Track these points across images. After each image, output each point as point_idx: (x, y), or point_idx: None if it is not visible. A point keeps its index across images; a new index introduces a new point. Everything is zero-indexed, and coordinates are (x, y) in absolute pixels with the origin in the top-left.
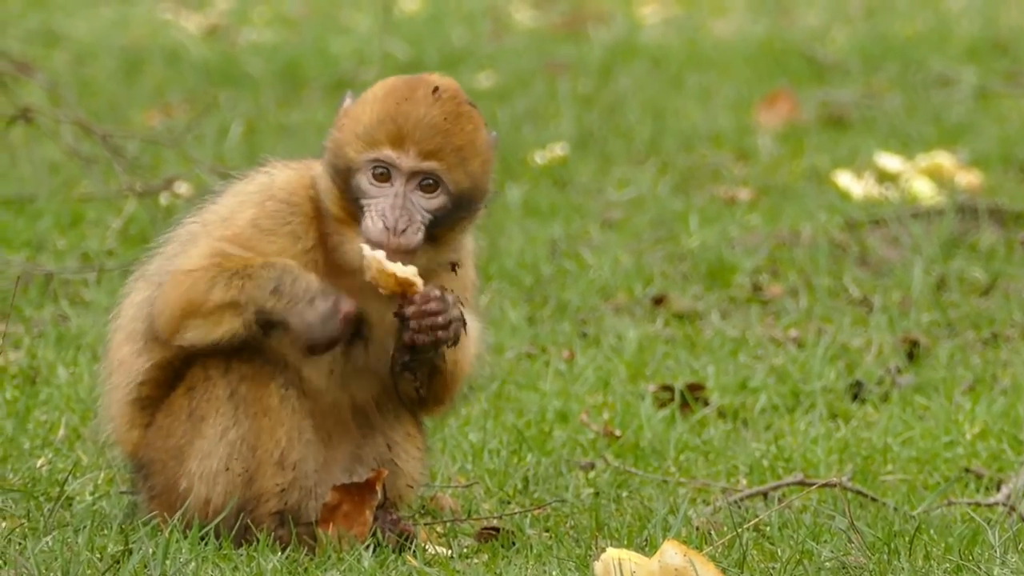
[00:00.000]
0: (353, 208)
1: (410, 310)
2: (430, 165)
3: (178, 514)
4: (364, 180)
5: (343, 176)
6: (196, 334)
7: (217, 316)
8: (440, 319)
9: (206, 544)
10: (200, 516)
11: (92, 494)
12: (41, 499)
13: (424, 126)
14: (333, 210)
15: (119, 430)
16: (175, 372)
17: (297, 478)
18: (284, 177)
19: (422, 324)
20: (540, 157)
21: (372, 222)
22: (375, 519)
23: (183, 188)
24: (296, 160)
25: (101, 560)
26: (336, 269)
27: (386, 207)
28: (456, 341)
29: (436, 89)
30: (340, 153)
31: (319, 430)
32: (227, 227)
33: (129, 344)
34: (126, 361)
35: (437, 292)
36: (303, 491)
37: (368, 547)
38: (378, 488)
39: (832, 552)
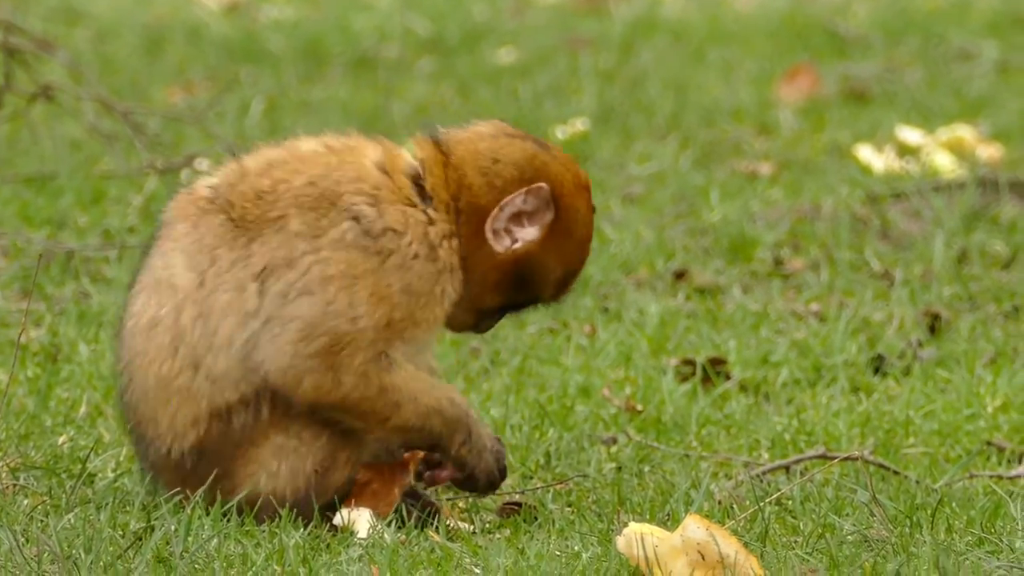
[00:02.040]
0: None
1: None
2: None
3: (235, 500)
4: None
5: (523, 297)
6: (336, 419)
7: (387, 435)
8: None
9: (228, 520)
10: (268, 506)
11: (114, 471)
12: (63, 476)
13: None
14: (487, 302)
15: (181, 427)
16: None
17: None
18: (414, 222)
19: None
20: (561, 132)
21: (491, 326)
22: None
23: (204, 165)
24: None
25: (123, 537)
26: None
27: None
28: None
29: None
30: (538, 284)
31: None
32: (382, 301)
33: (222, 358)
34: (220, 379)
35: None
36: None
37: (390, 523)
38: (411, 468)
39: (854, 526)
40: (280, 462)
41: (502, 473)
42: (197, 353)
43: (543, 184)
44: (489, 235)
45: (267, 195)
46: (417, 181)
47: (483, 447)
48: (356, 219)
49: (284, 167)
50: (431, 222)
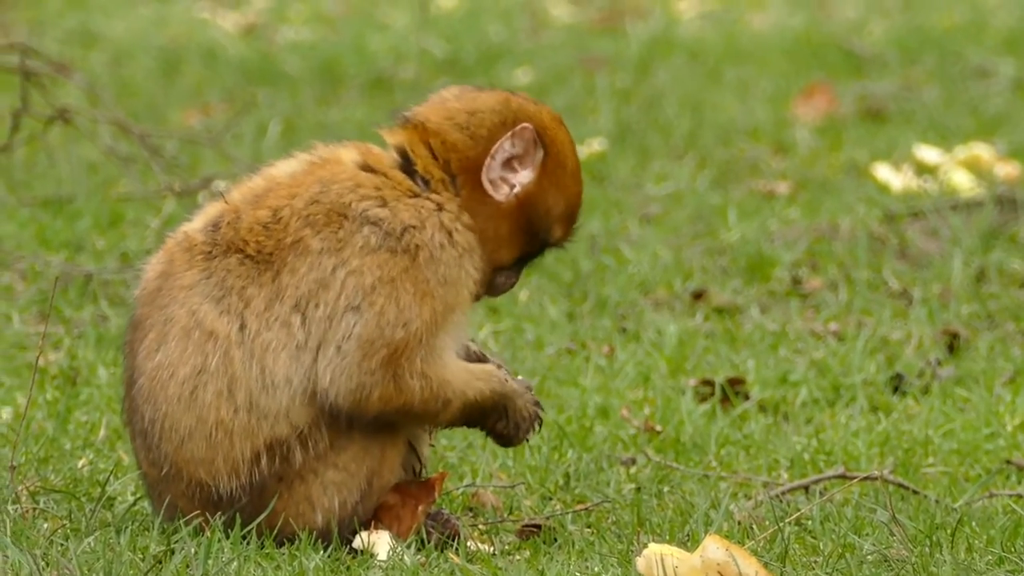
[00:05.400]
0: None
1: None
2: None
3: (255, 523)
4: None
5: (535, 242)
6: (390, 421)
7: (433, 427)
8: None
9: (248, 543)
10: (304, 530)
11: (133, 494)
12: (83, 500)
13: None
14: (502, 256)
15: (237, 465)
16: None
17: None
18: (427, 212)
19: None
20: (578, 152)
21: (507, 280)
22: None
23: (221, 187)
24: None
25: (143, 560)
26: None
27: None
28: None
29: None
30: (545, 224)
31: None
32: (425, 297)
33: (278, 395)
34: (276, 415)
35: None
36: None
37: (410, 545)
38: (438, 490)
39: (874, 545)
40: (331, 498)
41: (538, 425)
42: (253, 394)
43: (526, 124)
44: (487, 186)
45: (273, 224)
46: (407, 170)
47: (520, 420)
48: (374, 223)
49: (276, 193)
50: (439, 207)
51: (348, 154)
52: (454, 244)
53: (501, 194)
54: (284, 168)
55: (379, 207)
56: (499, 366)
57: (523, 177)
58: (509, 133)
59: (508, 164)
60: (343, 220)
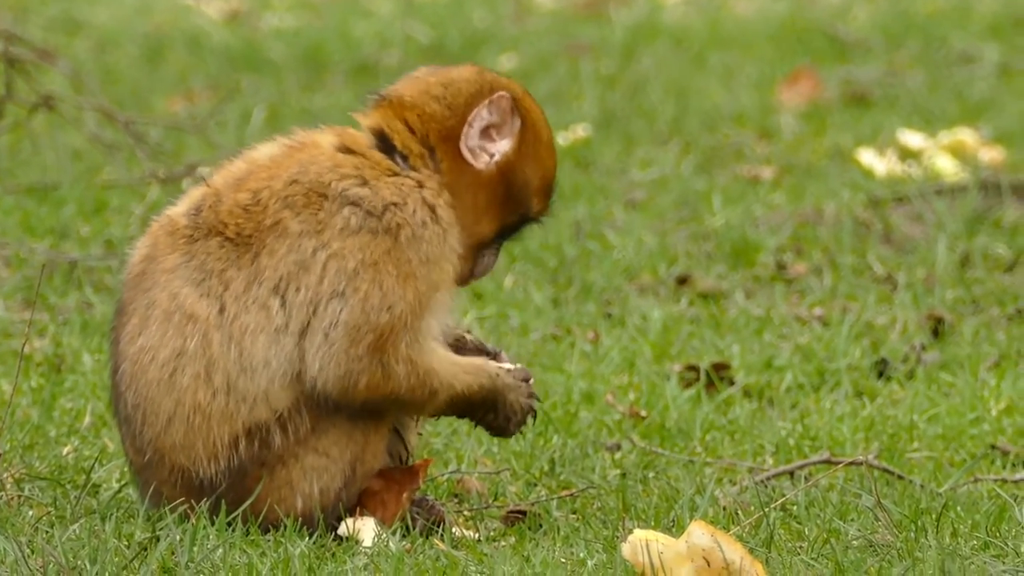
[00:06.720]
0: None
1: None
2: None
3: (240, 510)
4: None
5: (514, 214)
6: (377, 409)
7: (428, 410)
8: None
9: (233, 530)
10: (287, 517)
11: (118, 481)
12: (68, 487)
13: None
14: (483, 230)
15: (216, 449)
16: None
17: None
18: (408, 189)
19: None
20: (563, 138)
21: (488, 259)
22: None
23: (206, 174)
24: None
25: (129, 547)
26: None
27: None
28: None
29: None
30: (524, 195)
31: None
32: (408, 279)
33: (256, 378)
34: (256, 398)
35: None
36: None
37: (395, 531)
38: (422, 476)
39: (859, 530)
40: (311, 483)
41: (532, 418)
42: (231, 377)
43: (503, 93)
44: (467, 154)
45: (253, 206)
46: (386, 150)
47: (510, 414)
48: (354, 203)
49: (256, 176)
50: (420, 185)
51: (326, 137)
52: (437, 220)
53: (481, 162)
54: (264, 151)
55: (359, 186)
56: (496, 355)
57: (502, 145)
58: (486, 101)
59: (486, 133)
60: (323, 200)
